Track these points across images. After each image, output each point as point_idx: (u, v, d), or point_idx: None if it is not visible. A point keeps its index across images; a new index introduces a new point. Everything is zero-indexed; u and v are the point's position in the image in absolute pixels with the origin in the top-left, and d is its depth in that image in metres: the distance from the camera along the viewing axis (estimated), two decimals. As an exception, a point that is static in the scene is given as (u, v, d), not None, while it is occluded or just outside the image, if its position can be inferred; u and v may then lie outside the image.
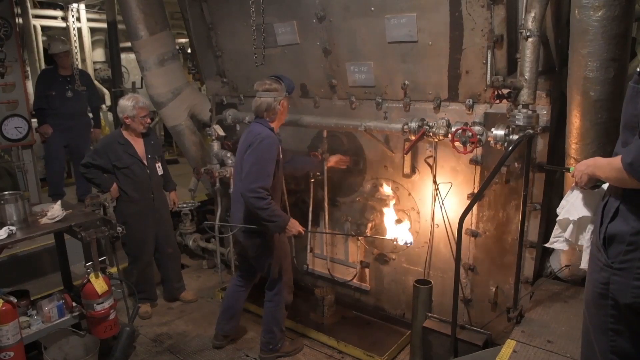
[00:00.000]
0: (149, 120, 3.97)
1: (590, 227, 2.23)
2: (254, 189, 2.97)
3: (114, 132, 4.16)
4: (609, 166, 1.71)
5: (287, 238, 3.39)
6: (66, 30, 8.60)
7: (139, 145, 3.95)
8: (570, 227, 2.32)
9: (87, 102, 5.90)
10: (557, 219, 2.40)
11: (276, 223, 3.08)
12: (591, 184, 2.01)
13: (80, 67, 8.78)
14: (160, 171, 4.09)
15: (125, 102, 3.86)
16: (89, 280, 3.20)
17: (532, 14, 2.53)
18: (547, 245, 2.58)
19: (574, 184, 2.22)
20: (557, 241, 2.46)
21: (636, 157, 1.51)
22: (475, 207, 3.22)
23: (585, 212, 2.23)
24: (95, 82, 9.28)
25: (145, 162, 3.96)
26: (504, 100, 2.73)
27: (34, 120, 5.54)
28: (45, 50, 5.89)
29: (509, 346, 2.58)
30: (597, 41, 2.27)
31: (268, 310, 3.42)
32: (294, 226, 3.17)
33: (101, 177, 3.87)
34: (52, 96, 5.50)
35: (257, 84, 3.20)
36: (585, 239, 2.26)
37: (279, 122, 3.27)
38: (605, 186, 1.91)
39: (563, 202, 2.37)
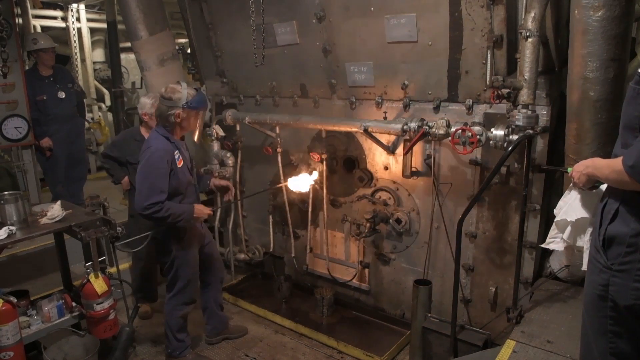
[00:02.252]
0: None
1: (589, 229, 2.23)
2: (146, 206, 2.88)
3: (133, 128, 4.25)
4: (608, 168, 1.70)
5: (194, 251, 3.27)
6: (66, 30, 8.61)
7: None
8: (569, 228, 2.31)
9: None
10: (555, 220, 2.40)
11: (183, 219, 3.01)
12: (589, 185, 2.00)
13: (79, 67, 8.84)
14: None
15: (145, 100, 3.90)
16: (88, 280, 3.19)
17: (532, 14, 2.53)
18: (543, 245, 2.58)
19: (571, 185, 2.21)
20: (554, 242, 2.46)
21: (638, 159, 1.50)
22: (474, 208, 3.22)
23: (583, 213, 2.23)
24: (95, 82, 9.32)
25: None
26: (504, 101, 2.73)
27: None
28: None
29: (508, 346, 2.58)
30: (597, 41, 2.27)
31: (165, 312, 3.37)
32: (201, 211, 3.11)
33: (116, 169, 3.95)
34: (44, 101, 5.22)
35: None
36: (585, 241, 2.26)
37: (181, 131, 3.10)
38: (603, 187, 1.91)
39: (560, 202, 2.37)
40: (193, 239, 3.26)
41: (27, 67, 5.56)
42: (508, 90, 2.67)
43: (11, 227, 3.05)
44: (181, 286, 3.27)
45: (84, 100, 6.05)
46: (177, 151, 3.05)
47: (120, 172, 3.94)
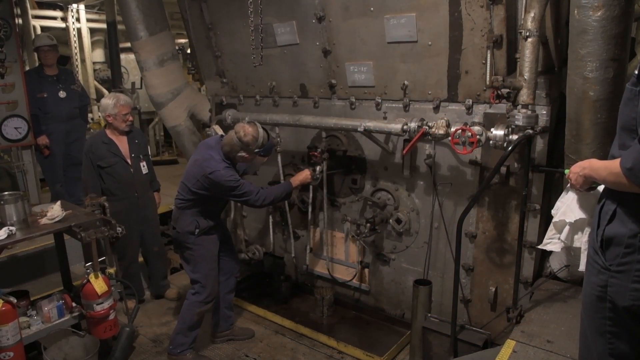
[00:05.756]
0: (131, 118, 4.00)
1: (587, 230, 2.23)
2: (258, 205, 3.28)
3: (99, 131, 4.19)
4: (605, 170, 1.69)
5: (212, 246, 3.40)
6: (66, 30, 8.61)
7: (122, 144, 3.97)
8: (566, 228, 2.31)
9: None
10: (553, 221, 2.40)
11: (287, 192, 3.42)
12: (587, 186, 2.00)
13: (79, 67, 8.84)
14: (145, 170, 4.10)
15: (107, 101, 3.88)
16: (88, 281, 3.20)
17: (532, 14, 2.53)
18: (540, 247, 2.58)
19: (568, 185, 2.22)
20: (551, 242, 2.46)
21: (636, 162, 1.49)
22: (474, 208, 3.22)
23: (581, 214, 2.23)
24: (95, 83, 9.33)
25: (129, 161, 3.98)
26: (504, 101, 2.73)
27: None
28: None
29: (508, 346, 2.58)
30: (597, 41, 2.27)
31: (183, 306, 3.46)
32: (299, 180, 3.49)
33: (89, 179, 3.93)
34: (44, 99, 5.28)
35: (248, 122, 3.20)
36: (582, 242, 2.26)
37: (241, 162, 3.33)
38: (600, 187, 1.91)
39: (558, 203, 2.37)
40: (209, 235, 3.36)
41: (28, 68, 5.57)
42: (508, 90, 2.67)
43: (11, 228, 3.05)
44: (200, 282, 3.36)
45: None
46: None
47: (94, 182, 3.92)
